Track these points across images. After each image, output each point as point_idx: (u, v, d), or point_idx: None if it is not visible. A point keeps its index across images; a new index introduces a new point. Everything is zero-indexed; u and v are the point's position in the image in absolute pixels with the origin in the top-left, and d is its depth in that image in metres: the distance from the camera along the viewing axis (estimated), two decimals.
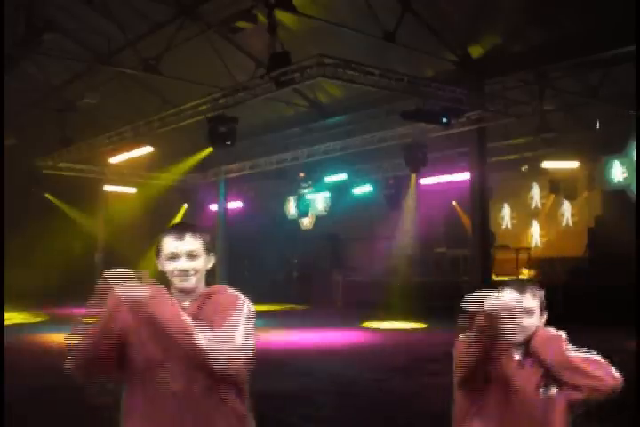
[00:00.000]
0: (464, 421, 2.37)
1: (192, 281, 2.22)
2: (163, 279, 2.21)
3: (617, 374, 2.26)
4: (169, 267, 2.22)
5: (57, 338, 12.00)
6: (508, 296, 2.07)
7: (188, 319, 2.04)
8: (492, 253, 15.49)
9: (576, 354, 2.28)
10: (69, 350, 2.11)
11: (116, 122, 16.74)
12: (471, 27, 12.39)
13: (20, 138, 16.50)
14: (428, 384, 7.86)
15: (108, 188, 21.73)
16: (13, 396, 5.88)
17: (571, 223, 19.09)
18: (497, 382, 2.29)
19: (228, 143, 13.47)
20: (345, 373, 8.82)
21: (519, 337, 2.30)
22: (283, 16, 11.81)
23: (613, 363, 2.31)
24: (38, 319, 15.63)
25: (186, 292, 2.23)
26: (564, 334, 2.35)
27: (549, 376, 2.28)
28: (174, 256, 2.21)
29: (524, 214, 20.27)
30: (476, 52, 12.93)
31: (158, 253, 2.26)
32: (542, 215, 19.80)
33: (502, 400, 2.29)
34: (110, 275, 2.05)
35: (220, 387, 2.12)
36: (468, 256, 16.30)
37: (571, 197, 18.28)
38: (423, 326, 14.58)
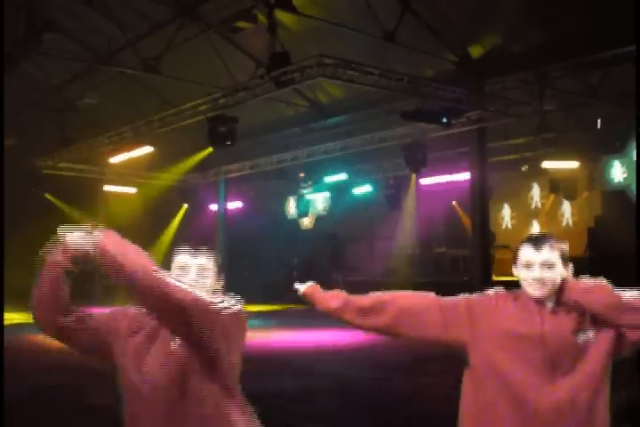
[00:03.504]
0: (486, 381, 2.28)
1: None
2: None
3: None
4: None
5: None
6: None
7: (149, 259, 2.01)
8: (491, 253, 15.47)
9: (630, 294, 2.23)
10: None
11: (116, 122, 16.73)
12: (471, 27, 12.38)
13: (19, 138, 16.48)
14: (428, 384, 7.87)
15: (107, 188, 21.71)
16: (13, 396, 5.88)
17: (571, 223, 19.09)
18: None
19: (228, 143, 13.48)
20: (345, 373, 8.81)
21: (540, 291, 2.26)
22: (283, 16, 11.81)
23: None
24: None
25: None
26: (604, 281, 2.29)
27: (587, 322, 2.23)
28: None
29: (524, 214, 20.27)
30: (476, 52, 12.93)
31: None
32: (542, 215, 19.79)
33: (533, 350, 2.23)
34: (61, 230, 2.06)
35: (211, 395, 2.12)
36: (468, 256, 16.31)
37: (571, 197, 18.28)
38: None
